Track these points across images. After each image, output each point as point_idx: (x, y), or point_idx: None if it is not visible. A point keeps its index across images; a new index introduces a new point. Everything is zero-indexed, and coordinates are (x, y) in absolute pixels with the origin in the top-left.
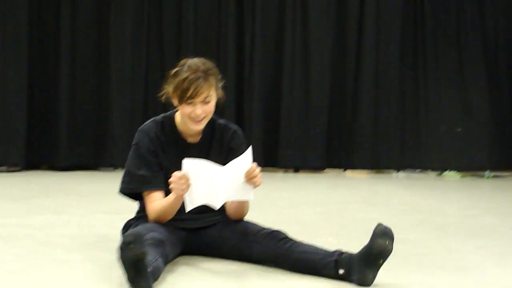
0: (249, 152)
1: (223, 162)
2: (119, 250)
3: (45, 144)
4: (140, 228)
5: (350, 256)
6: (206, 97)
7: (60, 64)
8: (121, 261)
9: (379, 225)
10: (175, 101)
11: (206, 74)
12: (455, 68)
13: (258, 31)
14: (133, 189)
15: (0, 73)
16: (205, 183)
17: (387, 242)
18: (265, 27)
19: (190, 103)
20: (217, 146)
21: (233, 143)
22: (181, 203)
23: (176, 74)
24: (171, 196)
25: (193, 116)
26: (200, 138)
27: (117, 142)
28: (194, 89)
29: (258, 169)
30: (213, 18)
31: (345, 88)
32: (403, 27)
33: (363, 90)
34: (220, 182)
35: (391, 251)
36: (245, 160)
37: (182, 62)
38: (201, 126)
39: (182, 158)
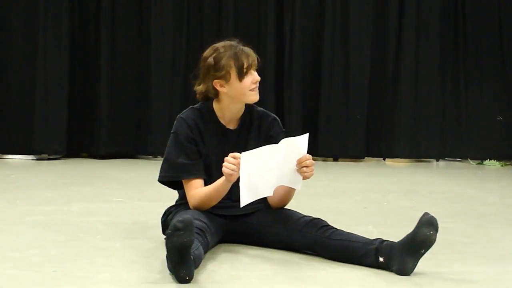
0: (305, 138)
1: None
2: (168, 236)
3: (85, 132)
4: (183, 214)
5: (392, 245)
6: (257, 61)
7: (101, 53)
8: (168, 246)
9: (426, 214)
10: (229, 85)
11: (241, 44)
12: (496, 56)
13: (297, 19)
14: (172, 177)
15: (42, 62)
16: (261, 173)
17: (431, 232)
18: (305, 14)
19: (249, 73)
20: (255, 133)
21: (273, 131)
22: (228, 189)
23: (217, 59)
24: (220, 180)
25: (255, 82)
26: (239, 125)
27: (156, 130)
28: (247, 58)
29: (311, 161)
30: (253, 7)
31: (385, 77)
32: (443, 14)
33: (403, 78)
34: (275, 164)
35: (434, 242)
36: (301, 145)
37: (209, 51)
38: (258, 96)
39: (221, 144)
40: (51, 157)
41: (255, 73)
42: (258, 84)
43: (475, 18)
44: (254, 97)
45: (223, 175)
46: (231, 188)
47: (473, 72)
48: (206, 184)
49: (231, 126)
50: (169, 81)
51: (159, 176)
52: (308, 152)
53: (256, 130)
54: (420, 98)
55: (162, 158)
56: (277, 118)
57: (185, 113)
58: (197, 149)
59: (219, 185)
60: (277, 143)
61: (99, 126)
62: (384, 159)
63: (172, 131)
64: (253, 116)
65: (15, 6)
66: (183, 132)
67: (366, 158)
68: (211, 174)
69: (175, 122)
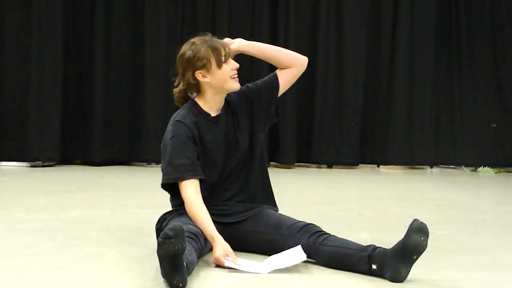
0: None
1: (250, 118)
2: (159, 243)
3: (79, 139)
4: (176, 221)
5: (384, 252)
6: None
7: (95, 59)
8: (160, 254)
9: (415, 220)
10: (210, 74)
11: (215, 37)
12: (490, 63)
13: (292, 26)
14: (176, 179)
15: (36, 69)
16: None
17: (422, 238)
18: (299, 21)
19: (227, 61)
20: (236, 110)
21: (252, 95)
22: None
23: (196, 51)
24: (208, 231)
25: (234, 69)
26: (222, 110)
27: (150, 137)
28: (223, 47)
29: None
30: (246, 17)
31: (379, 84)
32: (438, 22)
33: (397, 85)
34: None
35: (426, 248)
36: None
37: (185, 46)
38: (239, 84)
39: (215, 131)
40: (45, 164)
41: (233, 61)
42: (237, 72)
43: (469, 27)
44: (235, 84)
45: (225, 158)
46: (225, 197)
47: (466, 79)
48: (206, 179)
49: (218, 113)
50: (163, 88)
51: (163, 179)
52: (302, 159)
53: (235, 107)
54: (414, 105)
55: (156, 165)
56: (242, 86)
57: (178, 115)
58: (196, 148)
59: (201, 226)
60: (257, 97)
61: (93, 133)
62: (378, 166)
63: (170, 136)
64: (227, 100)
65: (9, 12)
66: (183, 132)
67: (360, 165)
68: (215, 162)
69: (172, 127)
